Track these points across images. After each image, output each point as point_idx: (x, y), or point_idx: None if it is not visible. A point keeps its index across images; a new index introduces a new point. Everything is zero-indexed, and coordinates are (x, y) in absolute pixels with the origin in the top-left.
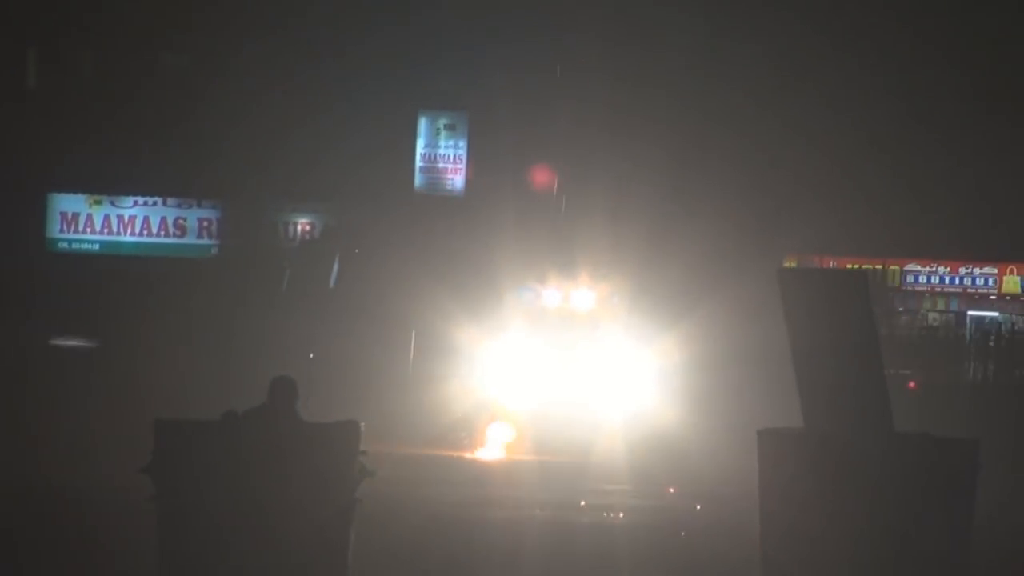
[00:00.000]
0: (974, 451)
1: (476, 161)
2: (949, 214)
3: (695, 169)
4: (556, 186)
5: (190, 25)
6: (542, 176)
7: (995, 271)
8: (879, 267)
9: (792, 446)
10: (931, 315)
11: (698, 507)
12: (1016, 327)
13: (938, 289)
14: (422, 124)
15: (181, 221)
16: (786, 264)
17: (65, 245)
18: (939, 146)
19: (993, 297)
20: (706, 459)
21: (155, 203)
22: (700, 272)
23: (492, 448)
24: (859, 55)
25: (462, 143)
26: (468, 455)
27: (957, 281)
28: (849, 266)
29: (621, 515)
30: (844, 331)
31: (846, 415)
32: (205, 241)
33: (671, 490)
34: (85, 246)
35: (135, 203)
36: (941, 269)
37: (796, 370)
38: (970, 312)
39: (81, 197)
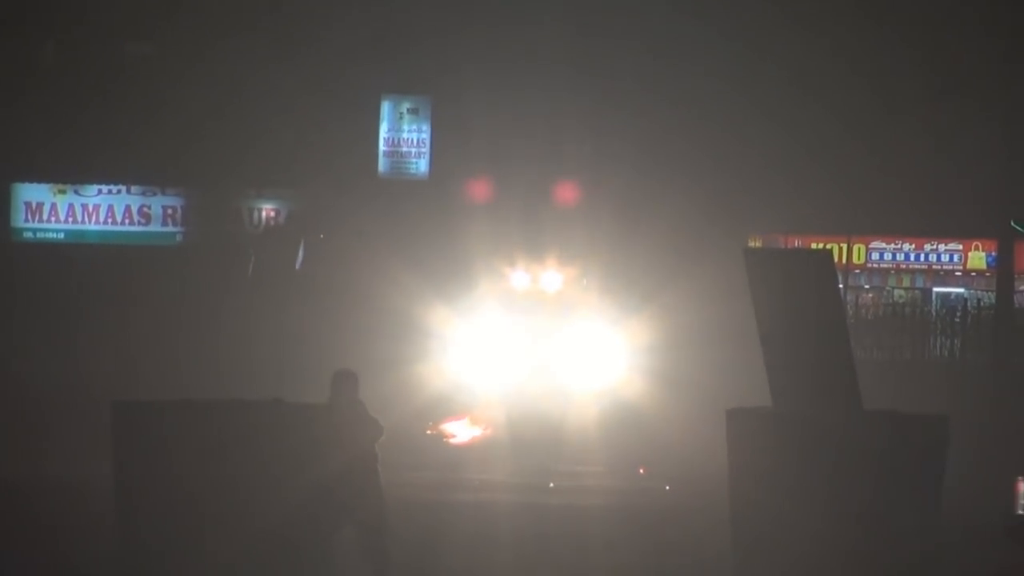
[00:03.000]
0: (943, 427)
1: (440, 145)
2: (914, 191)
3: (662, 150)
4: (492, 196)
5: (153, 15)
6: (480, 189)
7: (960, 247)
8: (843, 245)
9: (761, 425)
10: (897, 292)
11: (667, 487)
12: (982, 303)
13: (903, 266)
14: (385, 109)
15: (145, 209)
16: (751, 244)
17: (30, 235)
18: (903, 124)
19: (959, 273)
20: (677, 438)
21: (119, 191)
22: (669, 253)
23: (463, 430)
24: (824, 35)
25: (425, 127)
26: (439, 437)
27: (922, 258)
28: (814, 245)
29: (592, 497)
30: (810, 310)
31: (814, 393)
32: (170, 228)
33: (642, 470)
34: (50, 235)
35: (99, 191)
36: (906, 246)
37: (764, 349)
38: (935, 289)
39: (45, 186)
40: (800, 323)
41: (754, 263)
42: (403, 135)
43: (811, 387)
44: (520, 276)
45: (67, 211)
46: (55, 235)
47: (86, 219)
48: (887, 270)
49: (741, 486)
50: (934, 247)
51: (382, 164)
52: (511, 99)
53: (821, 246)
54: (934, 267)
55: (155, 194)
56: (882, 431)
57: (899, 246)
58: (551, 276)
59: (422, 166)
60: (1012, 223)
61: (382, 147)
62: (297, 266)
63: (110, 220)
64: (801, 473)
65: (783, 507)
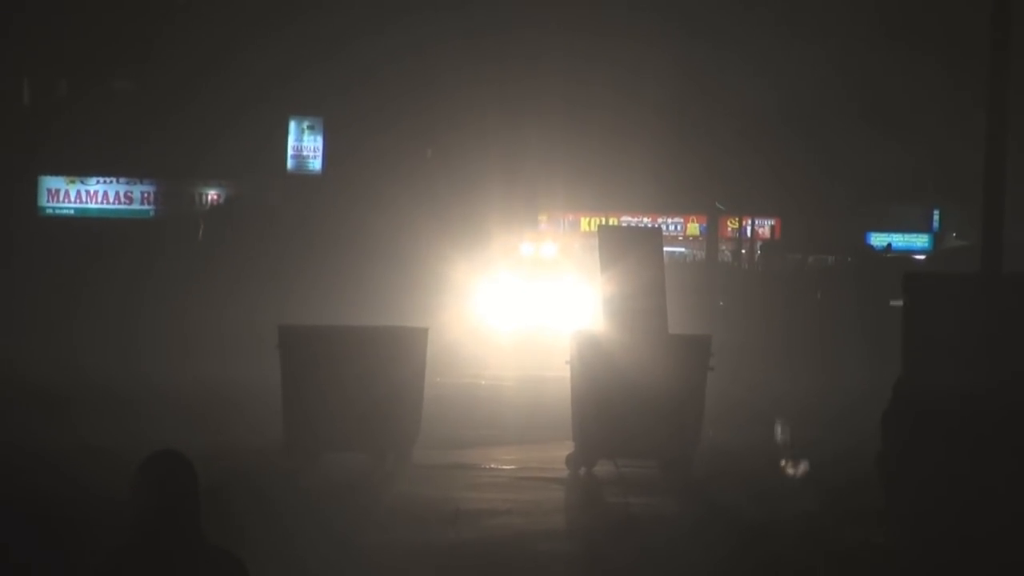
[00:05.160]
0: (708, 343)
1: (332, 147)
2: (651, 181)
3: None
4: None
5: (137, 55)
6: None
7: (682, 220)
8: (603, 218)
9: (594, 342)
10: None
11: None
12: (696, 258)
13: None
14: (292, 125)
15: (129, 194)
16: (540, 218)
17: (50, 211)
18: (645, 134)
19: (680, 238)
20: None
21: (111, 181)
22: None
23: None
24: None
25: (319, 138)
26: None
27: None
28: (584, 219)
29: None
30: (641, 266)
31: (635, 322)
32: (146, 207)
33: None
34: (64, 212)
35: (98, 181)
36: (646, 219)
37: (603, 291)
38: (665, 248)
39: (61, 178)
40: (633, 274)
41: (605, 234)
42: (304, 143)
43: (633, 317)
44: (527, 246)
45: (76, 195)
46: (67, 212)
47: (89, 201)
48: None
49: (579, 391)
50: (664, 220)
51: (290, 163)
52: (378, 119)
53: (589, 220)
54: (664, 234)
55: (136, 183)
56: (680, 347)
57: (641, 219)
58: (549, 246)
59: (317, 165)
60: (716, 204)
61: (290, 151)
62: (200, 237)
63: (105, 201)
64: (625, 376)
65: (614, 407)
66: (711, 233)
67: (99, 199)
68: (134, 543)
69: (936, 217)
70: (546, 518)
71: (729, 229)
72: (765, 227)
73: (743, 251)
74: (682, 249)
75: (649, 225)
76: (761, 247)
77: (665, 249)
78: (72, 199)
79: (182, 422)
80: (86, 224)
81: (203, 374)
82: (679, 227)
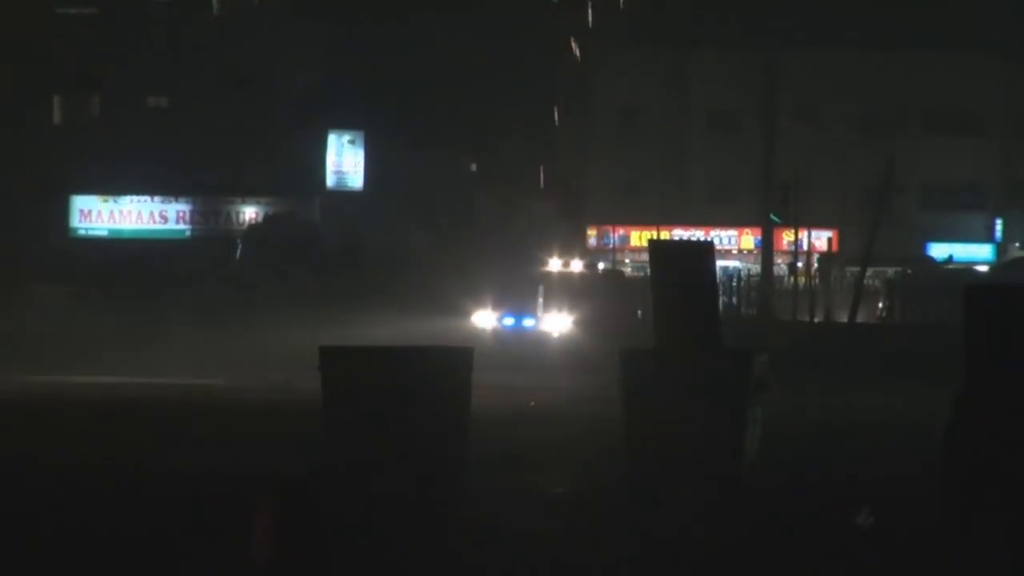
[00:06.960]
0: (764, 358)
1: (372, 163)
2: (707, 192)
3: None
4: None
5: (172, 77)
6: None
7: (736, 233)
8: (655, 232)
9: (647, 358)
10: None
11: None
12: (751, 272)
13: None
14: (331, 139)
15: (164, 213)
16: (589, 232)
17: (83, 232)
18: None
19: (735, 252)
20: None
21: (145, 200)
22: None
23: None
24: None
25: (360, 153)
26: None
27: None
28: (634, 232)
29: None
30: (692, 281)
31: (687, 338)
32: (181, 227)
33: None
34: (96, 232)
35: (131, 201)
36: (699, 232)
37: (654, 308)
38: (719, 263)
39: (94, 197)
40: (684, 289)
41: (656, 249)
42: (344, 159)
43: (684, 333)
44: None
45: (109, 215)
46: (100, 232)
47: (122, 220)
48: None
49: (630, 403)
50: (718, 232)
51: (330, 180)
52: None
53: (640, 233)
54: (717, 247)
55: (171, 202)
56: (733, 362)
57: (693, 232)
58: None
59: (358, 182)
60: (771, 215)
61: (330, 168)
62: (238, 256)
63: (139, 221)
64: (676, 396)
65: (666, 423)
66: (766, 246)
67: (133, 219)
68: None
69: (999, 226)
70: (598, 542)
71: (784, 242)
72: (822, 239)
73: (799, 264)
74: (736, 263)
75: (702, 238)
76: (818, 260)
77: (721, 263)
78: (105, 219)
79: (218, 443)
80: (119, 245)
81: (241, 395)
82: (733, 240)
